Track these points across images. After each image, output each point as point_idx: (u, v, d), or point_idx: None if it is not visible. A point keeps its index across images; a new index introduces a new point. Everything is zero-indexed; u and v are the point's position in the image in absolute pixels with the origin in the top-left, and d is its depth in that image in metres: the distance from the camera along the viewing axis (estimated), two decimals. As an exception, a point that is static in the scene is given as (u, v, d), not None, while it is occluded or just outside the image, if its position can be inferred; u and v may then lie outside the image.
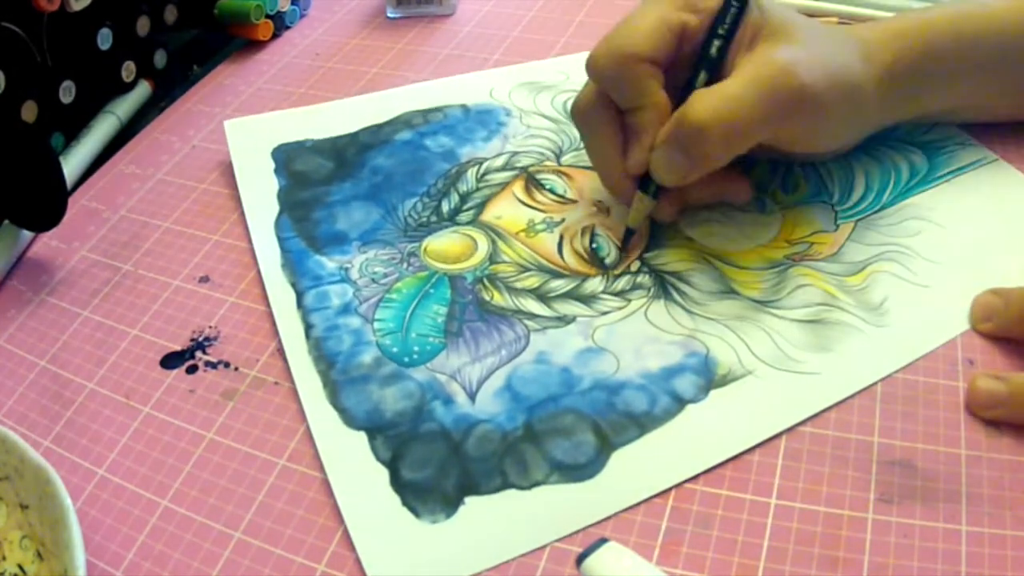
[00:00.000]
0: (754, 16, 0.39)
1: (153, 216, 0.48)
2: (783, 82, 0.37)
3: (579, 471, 0.33)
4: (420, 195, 0.46)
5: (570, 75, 0.53)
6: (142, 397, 0.38)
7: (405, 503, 0.33)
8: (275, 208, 0.46)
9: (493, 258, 0.42)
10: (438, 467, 0.33)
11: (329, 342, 0.39)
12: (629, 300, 0.39)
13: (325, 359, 0.38)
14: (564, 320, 0.38)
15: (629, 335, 0.38)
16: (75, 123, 0.54)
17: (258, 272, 0.43)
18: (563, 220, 0.43)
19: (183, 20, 0.60)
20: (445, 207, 0.45)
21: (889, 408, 0.34)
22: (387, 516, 0.32)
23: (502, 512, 0.32)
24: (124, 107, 0.56)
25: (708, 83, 0.38)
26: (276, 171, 0.48)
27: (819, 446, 0.33)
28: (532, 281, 0.40)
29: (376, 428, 0.35)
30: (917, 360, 0.35)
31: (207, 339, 0.40)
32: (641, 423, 0.34)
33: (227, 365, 0.39)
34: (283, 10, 0.62)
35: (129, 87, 0.57)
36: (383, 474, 0.33)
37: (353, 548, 0.31)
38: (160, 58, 0.59)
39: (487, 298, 0.40)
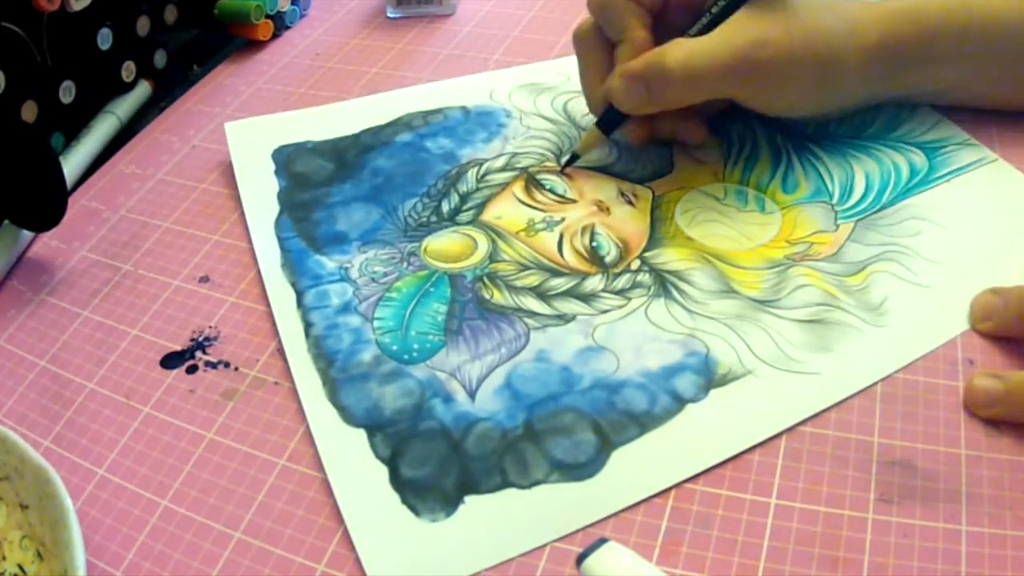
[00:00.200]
0: None
1: (153, 216, 0.48)
2: (751, 55, 0.40)
3: (579, 470, 0.33)
4: (420, 196, 0.46)
5: (570, 77, 0.53)
6: (142, 397, 0.38)
7: (405, 501, 0.33)
8: (275, 208, 0.46)
9: (493, 257, 0.42)
10: (438, 465, 0.33)
11: (329, 340, 0.39)
12: (629, 299, 0.39)
13: (325, 357, 0.38)
14: (564, 318, 0.38)
15: (629, 334, 0.38)
16: (75, 123, 0.54)
17: (258, 272, 0.43)
18: (563, 219, 0.43)
19: (183, 20, 0.60)
20: (445, 207, 0.45)
21: (889, 408, 0.34)
22: (386, 514, 0.32)
23: (502, 511, 0.32)
24: (124, 107, 0.56)
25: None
26: (276, 172, 0.48)
27: (819, 446, 0.33)
28: (532, 279, 0.41)
29: (375, 426, 0.35)
30: (917, 360, 0.35)
31: (207, 339, 0.40)
32: (641, 422, 0.34)
33: (227, 365, 0.39)
34: (283, 10, 0.62)
35: (129, 87, 0.57)
36: (383, 472, 0.33)
37: (353, 548, 0.31)
38: (160, 58, 0.59)
39: (487, 296, 0.40)
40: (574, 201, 0.45)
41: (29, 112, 0.49)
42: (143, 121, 0.56)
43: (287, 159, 0.49)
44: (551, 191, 0.45)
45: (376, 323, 0.39)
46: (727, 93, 0.43)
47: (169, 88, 0.59)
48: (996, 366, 0.35)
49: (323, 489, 0.34)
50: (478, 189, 0.46)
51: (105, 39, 0.53)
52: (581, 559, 0.28)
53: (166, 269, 0.44)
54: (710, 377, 0.35)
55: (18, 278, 0.45)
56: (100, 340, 0.41)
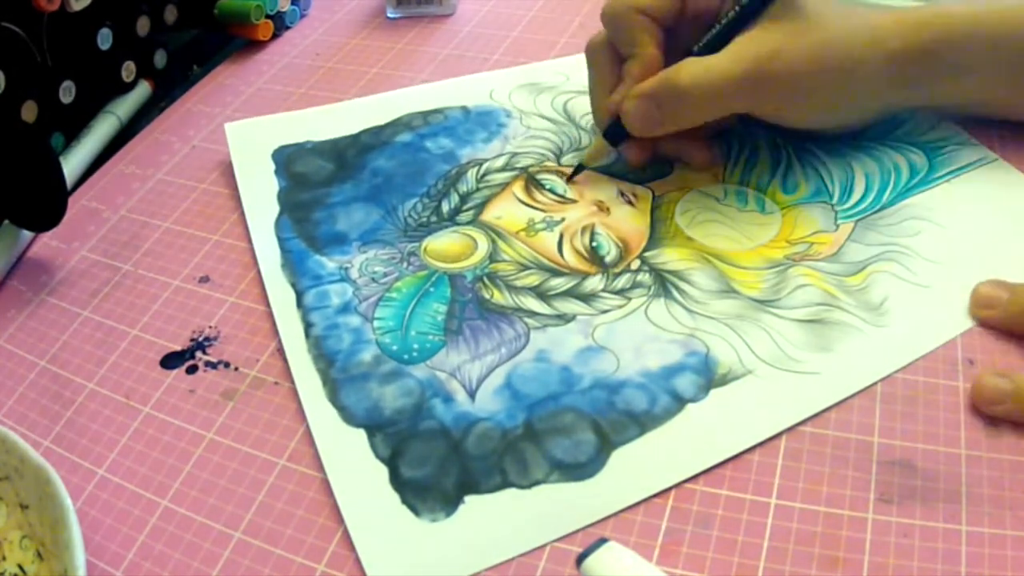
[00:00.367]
0: None
1: (153, 216, 0.48)
2: (767, 68, 0.39)
3: (579, 470, 0.33)
4: (420, 196, 0.46)
5: (570, 76, 0.53)
6: (142, 397, 0.38)
7: (405, 501, 0.33)
8: (275, 209, 0.46)
9: (493, 257, 0.42)
10: (438, 465, 0.33)
11: (329, 340, 0.39)
12: (629, 299, 0.39)
13: (325, 357, 0.38)
14: (564, 318, 0.38)
15: (629, 334, 0.38)
16: (75, 123, 0.54)
17: (258, 272, 0.43)
18: (563, 219, 0.43)
19: (183, 20, 0.60)
20: (445, 207, 0.45)
21: (889, 408, 0.34)
22: (386, 514, 0.32)
23: (502, 511, 0.32)
24: (124, 107, 0.56)
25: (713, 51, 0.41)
26: (276, 172, 0.48)
27: (819, 446, 0.33)
28: (532, 279, 0.41)
29: (375, 425, 0.35)
30: (917, 360, 0.35)
31: (207, 339, 0.40)
32: (641, 422, 0.34)
33: (227, 365, 0.39)
34: (283, 10, 0.62)
35: (129, 87, 0.57)
36: (382, 472, 0.33)
37: (353, 548, 0.31)
38: (160, 58, 0.59)
39: (487, 296, 0.40)
40: (574, 201, 0.45)
41: (29, 112, 0.49)
42: (143, 121, 0.56)
43: (287, 159, 0.49)
44: (551, 191, 0.45)
45: (376, 323, 0.39)
46: (743, 109, 0.42)
47: (169, 88, 0.59)
48: (996, 366, 0.35)
49: (323, 489, 0.34)
50: (478, 189, 0.46)
51: (105, 39, 0.53)
52: (581, 559, 0.28)
53: (166, 269, 0.44)
54: (710, 377, 0.35)
55: (18, 278, 0.45)
56: (100, 340, 0.41)
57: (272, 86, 0.57)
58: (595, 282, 0.40)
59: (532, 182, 0.46)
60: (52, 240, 0.47)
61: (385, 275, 0.41)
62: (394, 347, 0.38)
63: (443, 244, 0.43)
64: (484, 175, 0.47)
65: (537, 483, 0.33)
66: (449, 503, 0.32)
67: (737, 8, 0.41)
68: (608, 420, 0.34)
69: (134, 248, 0.46)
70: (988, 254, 0.39)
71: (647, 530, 0.31)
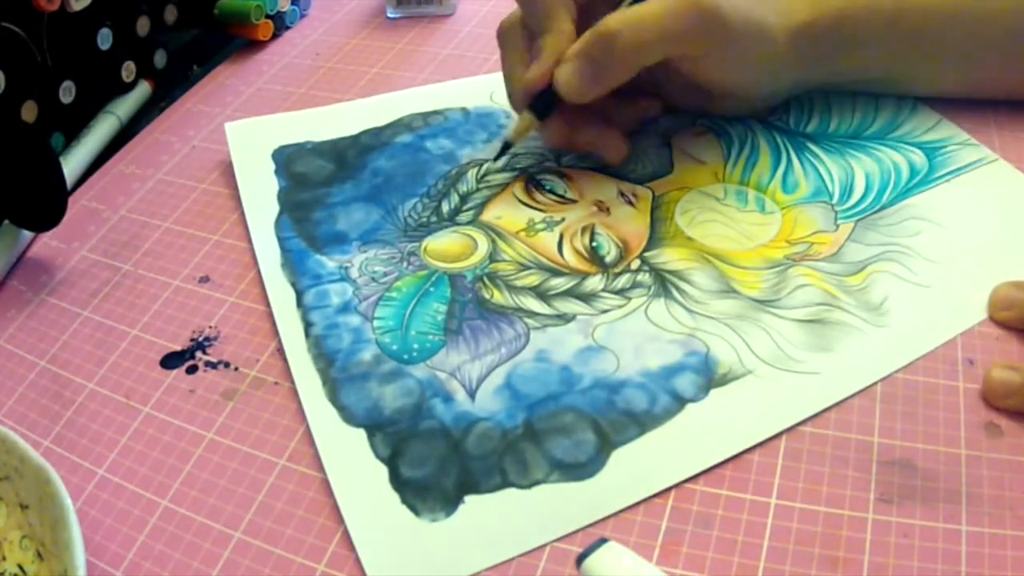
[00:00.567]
0: None
1: (153, 216, 0.48)
2: (697, 2, 0.40)
3: (579, 470, 0.33)
4: (420, 196, 0.46)
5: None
6: (142, 397, 0.38)
7: (404, 501, 0.33)
8: (275, 208, 0.46)
9: (493, 257, 0.42)
10: (438, 465, 0.33)
11: (329, 340, 0.39)
12: (629, 298, 0.39)
13: (324, 357, 0.38)
14: (564, 318, 0.38)
15: (629, 333, 0.38)
16: (75, 123, 0.54)
17: (258, 272, 0.43)
18: (563, 219, 0.43)
19: (183, 20, 0.60)
20: (445, 207, 0.45)
21: (889, 408, 0.34)
22: (386, 514, 0.32)
23: (502, 511, 0.32)
24: (124, 107, 0.56)
25: None
26: (276, 172, 0.48)
27: (819, 446, 0.33)
28: (532, 279, 0.41)
29: (375, 425, 0.35)
30: (917, 360, 0.35)
31: (207, 339, 0.40)
32: (641, 422, 0.34)
33: (227, 365, 0.39)
34: (283, 10, 0.62)
35: (129, 87, 0.57)
36: (382, 472, 0.33)
37: (353, 548, 0.31)
38: (160, 58, 0.59)
39: (487, 296, 0.40)
40: (574, 201, 0.45)
41: (29, 112, 0.49)
42: (143, 121, 0.56)
43: (287, 159, 0.49)
44: (551, 191, 0.45)
45: (376, 323, 0.39)
46: (672, 51, 0.41)
47: (169, 88, 0.59)
48: (996, 366, 0.35)
49: (323, 489, 0.34)
50: (478, 189, 0.46)
51: (105, 39, 0.53)
52: (581, 559, 0.28)
53: (166, 269, 0.44)
54: (710, 377, 0.35)
55: (18, 278, 0.45)
56: (100, 340, 0.41)
57: (272, 86, 0.57)
58: (595, 282, 0.40)
59: (532, 182, 0.46)
60: (52, 240, 0.47)
61: (385, 275, 0.41)
62: (394, 347, 0.38)
63: (443, 244, 0.43)
64: (484, 175, 0.47)
65: (537, 483, 0.33)
66: (449, 503, 0.32)
67: None
68: (608, 420, 0.34)
69: (134, 248, 0.46)
70: (988, 254, 0.39)
71: (647, 530, 0.31)
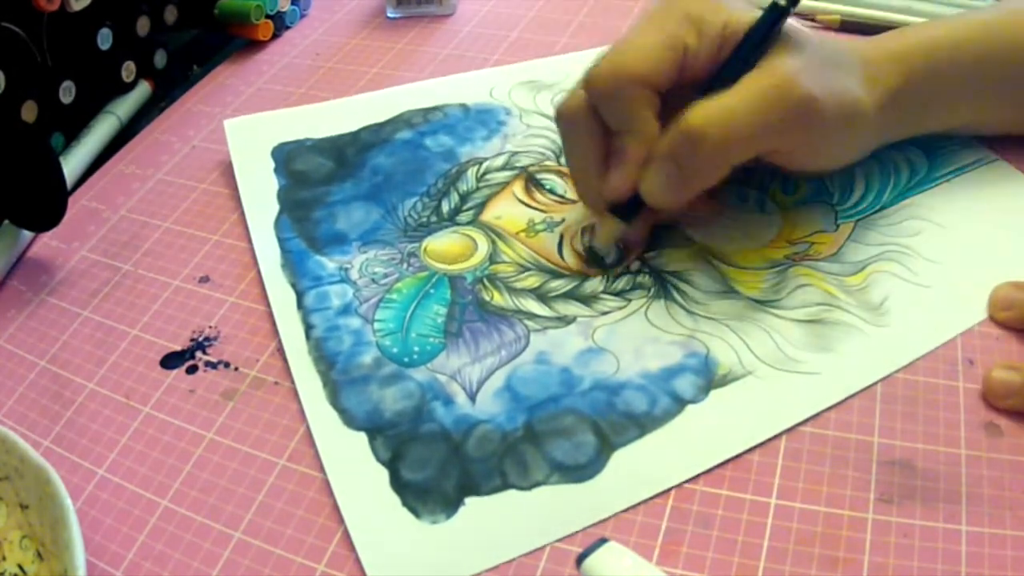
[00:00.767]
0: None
1: (153, 216, 0.48)
2: (786, 91, 0.35)
3: (579, 471, 0.33)
4: (420, 195, 0.46)
5: (570, 74, 0.53)
6: (142, 397, 0.38)
7: (405, 503, 0.33)
8: (275, 208, 0.46)
9: (493, 258, 0.42)
10: (438, 467, 0.33)
11: (329, 342, 0.39)
12: (629, 300, 0.39)
13: (325, 359, 0.38)
14: (564, 320, 0.38)
15: (629, 335, 0.38)
16: (75, 123, 0.54)
17: (258, 272, 0.43)
18: (563, 220, 0.43)
19: (183, 20, 0.60)
20: (445, 207, 0.45)
21: (889, 408, 0.34)
22: (387, 516, 0.32)
23: (502, 512, 0.32)
24: (124, 107, 0.56)
25: None
26: (276, 170, 0.48)
27: (819, 446, 0.33)
28: (532, 281, 0.40)
29: (376, 428, 0.35)
30: (917, 360, 0.35)
31: (207, 339, 0.40)
32: (641, 423, 0.34)
33: (227, 365, 0.39)
34: (283, 10, 0.62)
35: (129, 87, 0.57)
36: (383, 474, 0.33)
37: (353, 548, 0.31)
38: (160, 58, 0.59)
39: (487, 298, 0.40)
40: (574, 201, 0.44)
41: (29, 112, 0.49)
42: (143, 121, 0.56)
43: (287, 157, 0.49)
44: (551, 191, 0.45)
45: (376, 325, 0.39)
46: (765, 146, 0.37)
47: (169, 88, 0.59)
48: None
49: (323, 489, 0.34)
50: (478, 188, 0.46)
51: (105, 39, 0.53)
52: (581, 559, 0.28)
53: (166, 269, 0.44)
54: (710, 378, 0.35)
55: (18, 278, 0.45)
56: (100, 340, 0.41)
57: (272, 86, 0.57)
58: (595, 284, 0.40)
59: (532, 182, 0.46)
60: (52, 240, 0.47)
61: (385, 276, 0.41)
62: (394, 349, 0.38)
63: (443, 245, 0.43)
64: (484, 174, 0.47)
65: (537, 485, 0.33)
66: (450, 505, 0.32)
67: (744, 37, 0.37)
68: (608, 421, 0.34)
69: (134, 248, 0.46)
70: (988, 254, 0.39)
71: (647, 530, 0.31)
